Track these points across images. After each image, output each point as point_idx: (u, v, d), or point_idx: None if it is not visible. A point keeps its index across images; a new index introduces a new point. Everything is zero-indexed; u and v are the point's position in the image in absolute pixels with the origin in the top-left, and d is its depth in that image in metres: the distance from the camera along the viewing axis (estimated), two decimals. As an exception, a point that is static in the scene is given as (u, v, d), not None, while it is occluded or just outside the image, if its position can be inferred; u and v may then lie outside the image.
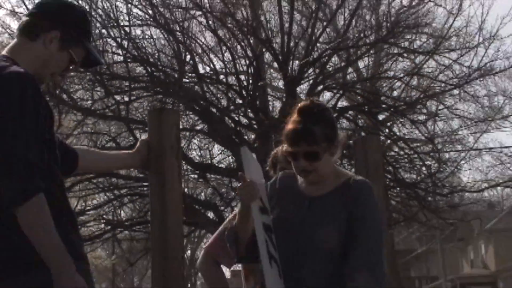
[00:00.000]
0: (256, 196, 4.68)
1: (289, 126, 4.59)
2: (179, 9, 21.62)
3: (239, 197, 4.77)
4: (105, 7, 20.91)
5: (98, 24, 21.11)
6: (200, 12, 21.66)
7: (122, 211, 23.86)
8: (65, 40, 4.18)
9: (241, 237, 4.73)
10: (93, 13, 20.91)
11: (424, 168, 22.13)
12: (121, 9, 21.30)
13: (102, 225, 23.13)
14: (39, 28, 4.16)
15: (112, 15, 20.98)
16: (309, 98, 5.34)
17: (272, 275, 4.51)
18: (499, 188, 29.34)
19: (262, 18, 22.23)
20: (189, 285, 55.37)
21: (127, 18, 21.30)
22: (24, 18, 4.32)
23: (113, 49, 21.46)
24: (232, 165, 22.09)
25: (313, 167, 4.56)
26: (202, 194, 23.83)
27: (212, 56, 22.45)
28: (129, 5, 21.30)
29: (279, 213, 4.74)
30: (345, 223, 4.51)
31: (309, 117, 4.53)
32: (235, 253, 4.85)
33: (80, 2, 20.42)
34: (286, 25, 21.86)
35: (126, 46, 21.24)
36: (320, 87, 22.18)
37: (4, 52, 4.20)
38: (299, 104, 4.71)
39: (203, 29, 22.27)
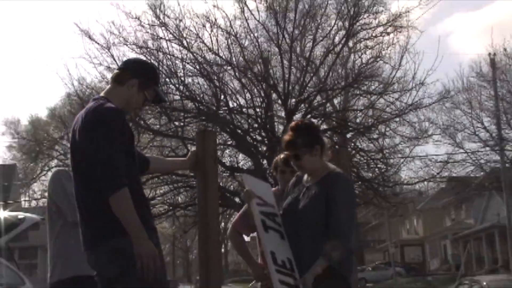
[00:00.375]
0: (251, 197, 4.82)
1: (284, 137, 4.87)
2: (216, 66, 21.65)
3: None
4: (168, 64, 21.00)
5: (163, 75, 21.19)
6: (230, 67, 21.71)
7: (179, 197, 23.81)
8: (141, 85, 4.24)
9: None
10: (160, 68, 20.98)
11: (376, 169, 22.17)
12: (178, 65, 21.35)
13: (166, 207, 23.17)
14: (125, 77, 4.23)
15: (172, 69, 21.06)
16: (302, 119, 5.44)
17: (267, 238, 4.67)
18: (425, 182, 29.31)
19: (271, 70, 22.22)
20: (223, 247, 55.27)
21: (182, 72, 21.38)
22: (115, 71, 4.36)
23: (173, 91, 21.53)
24: (251, 167, 22.09)
25: (299, 164, 4.77)
26: (232, 186, 23.75)
27: (238, 96, 22.53)
28: (184, 63, 21.37)
29: (289, 199, 4.88)
30: (325, 203, 4.58)
31: (296, 131, 4.77)
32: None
33: (151, 60, 20.55)
34: (287, 75, 21.88)
35: (182, 89, 21.31)
36: (308, 116, 22.19)
37: (102, 94, 4.27)
38: (292, 123, 4.95)
39: (232, 78, 22.30)
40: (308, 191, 4.78)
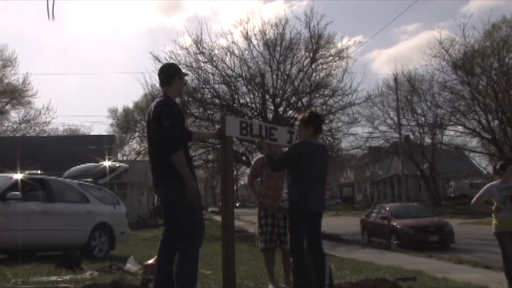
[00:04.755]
0: (263, 142, 4.78)
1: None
2: (233, 78, 21.63)
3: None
4: (204, 76, 21.31)
5: (201, 83, 21.17)
6: (241, 79, 21.77)
7: (209, 156, 23.70)
8: (179, 77, 4.14)
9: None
10: (198, 79, 20.95)
11: (327, 141, 21.92)
12: (210, 77, 21.37)
13: (202, 161, 23.15)
14: (168, 80, 4.12)
15: (206, 80, 21.28)
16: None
17: None
18: (355, 149, 29.19)
19: (265, 81, 22.08)
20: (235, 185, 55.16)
21: (212, 81, 21.47)
22: (160, 77, 4.18)
23: (207, 93, 21.63)
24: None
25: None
26: (241, 149, 23.61)
27: (245, 96, 22.53)
28: (213, 76, 21.44)
29: None
30: None
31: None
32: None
33: (194, 74, 20.53)
34: (275, 84, 21.90)
35: (212, 91, 21.38)
36: (287, 109, 22.33)
37: (162, 93, 4.19)
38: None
39: (242, 85, 22.23)
40: None
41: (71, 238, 9.15)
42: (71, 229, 9.16)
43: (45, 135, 38.99)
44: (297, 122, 4.93)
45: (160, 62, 20.44)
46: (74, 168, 11.54)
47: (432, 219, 15.26)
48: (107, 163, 11.80)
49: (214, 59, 21.26)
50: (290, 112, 22.60)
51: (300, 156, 4.51)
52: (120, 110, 54.63)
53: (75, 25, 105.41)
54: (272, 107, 22.21)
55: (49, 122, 39.09)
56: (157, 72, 4.34)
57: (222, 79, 21.40)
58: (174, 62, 20.06)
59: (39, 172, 10.16)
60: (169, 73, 4.17)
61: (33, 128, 39.04)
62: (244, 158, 22.15)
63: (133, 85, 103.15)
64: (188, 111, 20.46)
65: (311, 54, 22.04)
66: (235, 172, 48.09)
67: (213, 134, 5.13)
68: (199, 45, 21.05)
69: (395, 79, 33.22)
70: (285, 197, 4.86)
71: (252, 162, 5.89)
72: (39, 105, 54.28)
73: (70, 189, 9.84)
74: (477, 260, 9.79)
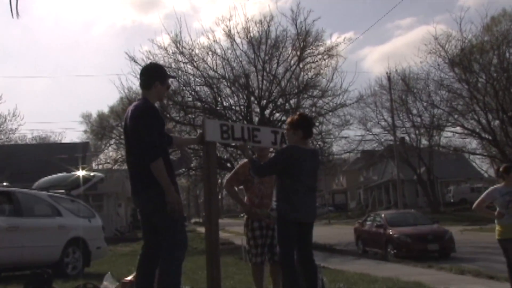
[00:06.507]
0: (245, 146, 4.80)
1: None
2: (215, 79, 21.63)
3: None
4: (184, 78, 21.19)
5: (181, 85, 21.13)
6: (224, 80, 21.74)
7: (192, 163, 23.61)
8: (161, 82, 4.09)
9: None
10: (178, 80, 20.87)
11: (317, 145, 21.94)
12: (191, 79, 21.31)
13: (183, 168, 23.05)
14: (148, 83, 4.07)
15: (187, 81, 21.19)
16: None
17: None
18: (347, 153, 29.36)
19: (250, 82, 22.14)
20: (219, 194, 54.99)
21: (193, 83, 21.39)
22: (141, 78, 4.15)
23: (187, 95, 21.63)
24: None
25: None
26: (225, 155, 23.55)
27: (229, 98, 22.54)
28: (194, 77, 21.37)
29: None
30: None
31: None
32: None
33: (173, 75, 20.47)
34: (260, 85, 21.90)
35: (193, 94, 21.33)
36: (273, 111, 22.36)
37: (141, 96, 4.15)
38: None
39: (225, 87, 22.24)
40: None
41: (42, 255, 9.01)
42: (41, 245, 9.03)
43: (12, 143, 38.54)
44: (285, 126, 4.89)
45: (136, 63, 20.37)
46: (45, 178, 11.41)
47: (431, 226, 15.34)
48: (80, 173, 11.72)
49: (195, 59, 21.27)
50: (277, 114, 22.69)
51: (288, 162, 4.47)
52: (94, 115, 54.33)
53: (42, 23, 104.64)
54: (257, 110, 22.23)
55: (15, 129, 38.67)
56: (133, 73, 4.33)
57: (203, 80, 21.40)
58: (152, 61, 19.98)
59: (5, 183, 10.02)
60: (150, 76, 4.13)
61: (-3, 136, 38.57)
62: (228, 164, 22.09)
63: (108, 88, 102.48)
64: (168, 115, 20.37)
65: (298, 53, 22.12)
66: (219, 180, 47.85)
67: (194, 140, 5.08)
68: (178, 44, 21.05)
69: (389, 78, 33.50)
70: (274, 206, 4.83)
71: (237, 166, 5.79)
72: (4, 111, 53.84)
73: (40, 201, 9.71)
74: (480, 270, 9.84)
